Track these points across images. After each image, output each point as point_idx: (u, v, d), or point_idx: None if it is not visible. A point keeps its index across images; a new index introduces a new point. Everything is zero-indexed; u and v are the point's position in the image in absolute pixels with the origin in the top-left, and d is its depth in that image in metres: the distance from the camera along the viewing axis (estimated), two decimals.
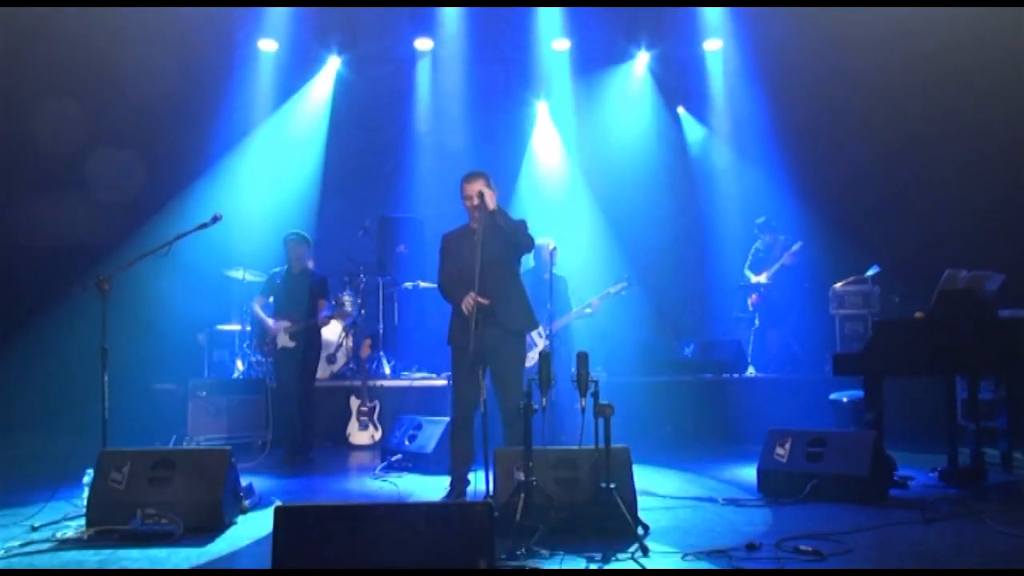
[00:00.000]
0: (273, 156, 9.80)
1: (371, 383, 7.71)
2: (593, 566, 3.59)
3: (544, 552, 3.71)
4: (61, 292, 5.60)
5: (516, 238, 4.91)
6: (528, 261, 6.69)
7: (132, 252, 5.22)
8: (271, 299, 7.03)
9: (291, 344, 6.74)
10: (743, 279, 9.05)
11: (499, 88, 10.45)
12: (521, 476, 4.06)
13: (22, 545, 4.01)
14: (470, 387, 4.76)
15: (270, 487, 5.60)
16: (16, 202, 8.00)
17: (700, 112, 10.43)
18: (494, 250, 4.84)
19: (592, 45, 10.21)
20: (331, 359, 8.26)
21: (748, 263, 9.07)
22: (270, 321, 6.81)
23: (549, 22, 9.98)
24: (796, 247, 8.65)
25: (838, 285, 8.41)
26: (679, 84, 10.44)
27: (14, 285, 8.11)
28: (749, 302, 8.93)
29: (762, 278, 8.82)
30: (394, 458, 6.26)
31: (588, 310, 7.28)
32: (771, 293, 8.76)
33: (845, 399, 7.19)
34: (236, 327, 8.39)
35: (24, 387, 7.86)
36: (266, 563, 3.07)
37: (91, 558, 3.83)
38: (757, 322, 8.87)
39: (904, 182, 8.87)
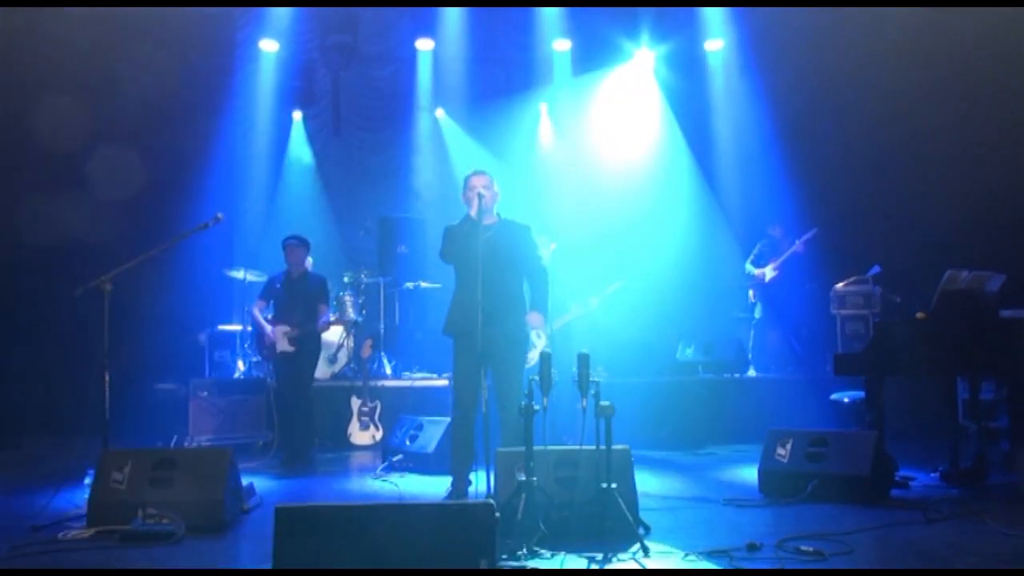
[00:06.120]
0: (274, 156, 9.81)
1: (372, 383, 7.71)
2: (594, 566, 3.59)
3: (545, 552, 3.70)
4: (62, 292, 5.60)
5: (518, 253, 5.00)
6: None
7: (133, 252, 5.21)
8: (271, 302, 7.02)
9: (291, 349, 6.72)
10: (746, 275, 8.99)
11: (500, 88, 10.45)
12: (522, 476, 4.05)
13: (24, 545, 4.01)
14: (471, 386, 4.77)
15: (271, 487, 5.60)
16: (17, 202, 8.00)
17: (701, 112, 10.42)
18: (498, 254, 4.84)
19: (593, 45, 10.22)
20: (332, 359, 8.25)
21: (751, 259, 9.01)
22: (268, 328, 6.79)
23: (550, 22, 9.99)
24: (811, 234, 8.61)
25: (839, 285, 8.40)
26: (680, 84, 10.44)
27: (15, 285, 8.11)
28: (751, 294, 8.91)
29: (768, 269, 8.79)
30: (395, 458, 6.25)
31: (586, 309, 7.28)
32: (773, 288, 8.74)
33: (846, 399, 7.19)
34: (237, 327, 8.39)
35: (25, 387, 7.86)
36: (267, 563, 3.07)
37: (92, 558, 3.83)
38: (758, 313, 8.84)
39: (905, 182, 8.85)
